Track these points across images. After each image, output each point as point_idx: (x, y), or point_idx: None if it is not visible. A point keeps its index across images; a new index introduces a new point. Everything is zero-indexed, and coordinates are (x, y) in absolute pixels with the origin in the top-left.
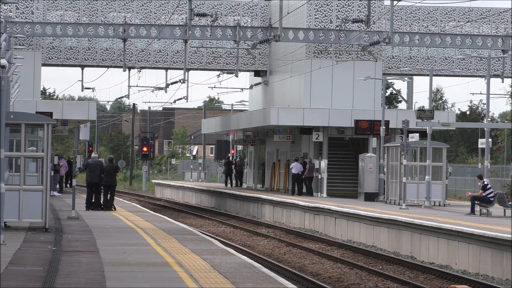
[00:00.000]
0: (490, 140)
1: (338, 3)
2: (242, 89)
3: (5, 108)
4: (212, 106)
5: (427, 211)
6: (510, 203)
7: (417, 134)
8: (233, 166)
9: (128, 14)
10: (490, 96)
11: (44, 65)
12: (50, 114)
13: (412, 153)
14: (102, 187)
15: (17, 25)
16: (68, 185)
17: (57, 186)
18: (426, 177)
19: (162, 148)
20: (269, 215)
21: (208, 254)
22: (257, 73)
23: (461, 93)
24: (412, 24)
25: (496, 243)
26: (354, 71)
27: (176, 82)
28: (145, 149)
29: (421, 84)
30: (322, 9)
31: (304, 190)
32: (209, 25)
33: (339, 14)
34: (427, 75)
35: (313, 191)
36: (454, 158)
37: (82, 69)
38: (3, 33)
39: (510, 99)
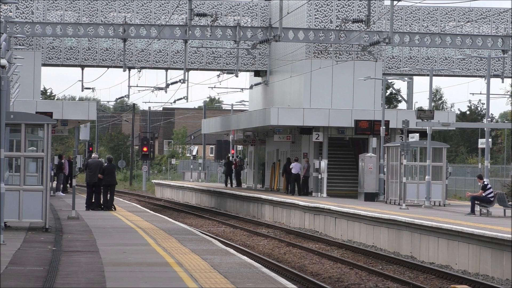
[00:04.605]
0: (490, 140)
1: (338, 3)
2: (242, 89)
3: (5, 108)
4: (212, 106)
5: (427, 211)
6: (510, 203)
7: (417, 134)
8: (233, 166)
9: (128, 14)
10: (490, 96)
11: (44, 65)
12: (50, 114)
13: (412, 153)
14: (101, 187)
15: (17, 25)
16: (68, 185)
17: (61, 186)
18: (426, 177)
19: (162, 148)
20: (269, 215)
21: (208, 254)
22: (257, 73)
23: (461, 93)
24: (412, 24)
25: (496, 243)
26: (354, 71)
27: (176, 82)
28: (145, 149)
29: (421, 84)
30: (322, 9)
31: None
32: (209, 25)
33: (339, 14)
34: (427, 75)
35: (303, 190)
36: (454, 158)
37: (82, 69)
38: (3, 33)
39: (510, 99)
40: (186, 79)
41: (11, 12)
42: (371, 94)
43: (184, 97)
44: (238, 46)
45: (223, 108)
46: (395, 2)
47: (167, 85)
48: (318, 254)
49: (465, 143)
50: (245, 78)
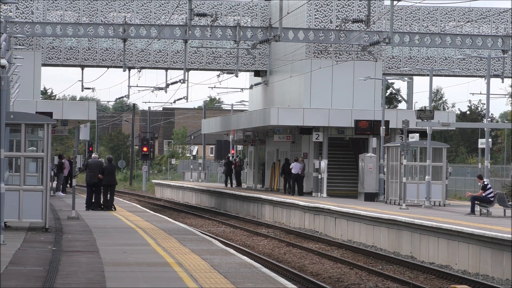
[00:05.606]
0: (490, 140)
1: (338, 3)
2: (242, 89)
3: (5, 108)
4: (212, 106)
5: (427, 211)
6: (510, 203)
7: (417, 134)
8: (233, 166)
9: (128, 14)
10: (490, 96)
11: (44, 65)
12: (50, 114)
13: (412, 153)
14: (101, 187)
15: (17, 25)
16: (68, 185)
17: (61, 186)
18: (426, 177)
19: (162, 148)
20: (269, 215)
21: (208, 254)
22: (257, 73)
23: (461, 93)
24: (412, 24)
25: (496, 243)
26: (354, 71)
27: (176, 82)
28: (145, 149)
29: (421, 84)
30: (322, 9)
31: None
32: (209, 25)
33: (339, 14)
34: (427, 75)
35: (303, 190)
36: (454, 158)
37: (82, 69)
38: (3, 33)
39: (510, 99)
40: (186, 79)
41: (11, 12)
42: (371, 94)
43: (184, 97)
44: (238, 46)
45: (223, 108)
46: (395, 2)
47: (167, 85)
48: (318, 254)
49: (465, 143)
50: (245, 78)
